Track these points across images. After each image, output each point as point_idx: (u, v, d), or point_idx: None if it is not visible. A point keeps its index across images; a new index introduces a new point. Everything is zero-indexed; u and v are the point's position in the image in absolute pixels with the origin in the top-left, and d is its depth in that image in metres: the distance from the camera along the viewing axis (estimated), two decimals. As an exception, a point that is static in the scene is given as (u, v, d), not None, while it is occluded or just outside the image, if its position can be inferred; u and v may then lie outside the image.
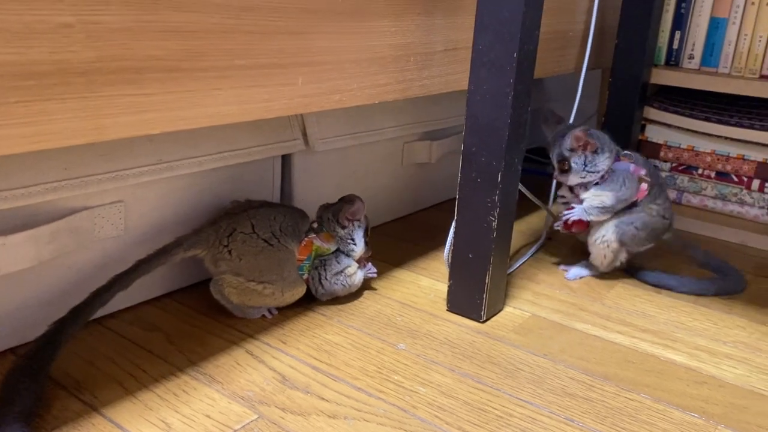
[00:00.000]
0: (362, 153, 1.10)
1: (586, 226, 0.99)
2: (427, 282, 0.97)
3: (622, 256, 1.00)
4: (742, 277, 1.01)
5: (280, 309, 0.85)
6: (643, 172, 0.97)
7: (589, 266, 1.03)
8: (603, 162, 0.95)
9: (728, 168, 1.26)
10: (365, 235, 0.89)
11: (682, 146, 1.30)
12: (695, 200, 1.32)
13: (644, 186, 0.96)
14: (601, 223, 0.98)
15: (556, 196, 1.05)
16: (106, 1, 0.49)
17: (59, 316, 0.68)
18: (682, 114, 1.28)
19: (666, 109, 1.30)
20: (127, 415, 0.64)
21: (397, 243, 1.11)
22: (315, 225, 0.87)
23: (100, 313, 0.80)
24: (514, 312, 0.90)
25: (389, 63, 0.77)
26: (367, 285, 0.94)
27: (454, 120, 1.25)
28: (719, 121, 1.24)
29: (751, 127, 1.21)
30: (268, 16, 0.61)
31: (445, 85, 0.88)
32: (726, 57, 1.24)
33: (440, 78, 0.87)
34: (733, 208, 1.28)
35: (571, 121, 1.14)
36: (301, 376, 0.72)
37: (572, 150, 0.95)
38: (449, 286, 0.88)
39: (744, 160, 1.24)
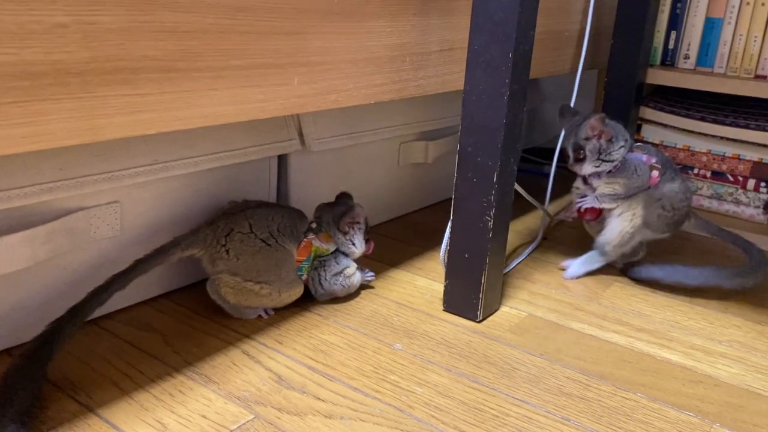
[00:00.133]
0: (358, 153, 1.10)
1: (599, 214, 1.01)
2: (423, 282, 0.98)
3: (635, 241, 1.00)
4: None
5: (276, 309, 0.85)
6: (654, 160, 0.98)
7: (590, 260, 1.03)
8: (617, 151, 0.96)
9: (724, 168, 1.26)
10: (365, 233, 0.89)
11: (677, 146, 1.31)
12: (691, 200, 1.32)
13: (655, 173, 0.97)
14: (628, 202, 0.98)
15: (549, 196, 1.05)
16: (102, 2, 0.49)
17: (55, 317, 0.67)
18: (678, 114, 1.29)
19: (662, 109, 1.30)
20: (122, 416, 0.64)
21: (393, 243, 1.11)
22: (314, 225, 0.87)
23: (97, 313, 0.80)
24: (510, 312, 0.90)
25: (385, 63, 0.77)
26: (363, 285, 0.94)
27: (450, 120, 1.25)
28: (715, 121, 1.25)
29: (747, 127, 1.22)
30: (263, 16, 0.61)
31: (441, 85, 0.88)
32: (721, 57, 1.24)
33: (436, 78, 0.87)
34: (728, 207, 1.28)
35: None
36: (298, 376, 0.72)
37: (587, 138, 0.96)
38: (445, 286, 0.88)
39: (739, 159, 1.24)
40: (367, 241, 0.90)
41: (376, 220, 1.18)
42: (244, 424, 0.64)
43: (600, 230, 1.02)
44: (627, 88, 1.23)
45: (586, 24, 1.15)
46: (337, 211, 0.87)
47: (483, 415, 0.67)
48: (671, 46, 1.29)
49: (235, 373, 0.72)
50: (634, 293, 0.98)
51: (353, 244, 0.87)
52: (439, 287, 0.95)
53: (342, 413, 0.66)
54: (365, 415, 0.66)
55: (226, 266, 0.80)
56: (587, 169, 0.97)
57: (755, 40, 1.20)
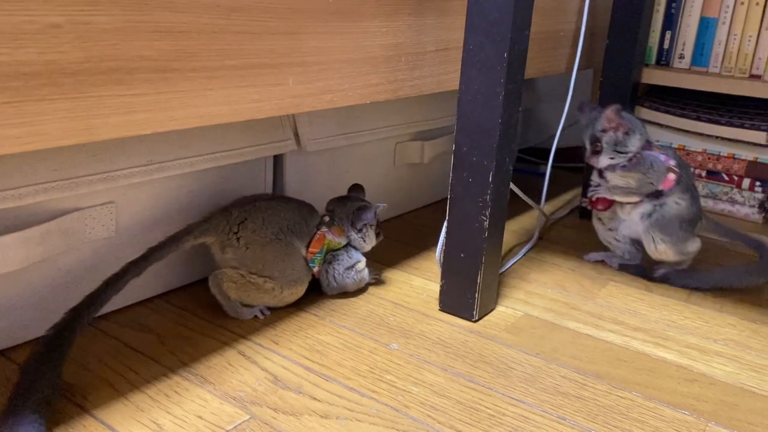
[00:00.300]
0: (354, 153, 1.10)
1: (611, 205, 1.02)
2: (419, 282, 0.98)
3: (693, 248, 1.00)
4: None
5: (273, 310, 0.85)
6: (672, 162, 0.98)
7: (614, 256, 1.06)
8: (633, 144, 0.96)
9: (719, 167, 1.27)
10: (376, 227, 0.91)
11: (673, 145, 1.31)
12: (686, 199, 1.32)
13: (672, 176, 0.98)
14: (647, 239, 1.00)
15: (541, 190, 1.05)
16: (96, 2, 0.49)
17: (51, 318, 0.67)
18: (673, 114, 1.29)
19: (657, 109, 1.31)
20: (118, 417, 0.64)
21: (389, 243, 1.11)
22: (327, 219, 0.88)
23: (92, 314, 0.80)
24: (506, 311, 0.90)
25: (380, 63, 0.77)
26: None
27: (446, 120, 1.25)
28: (710, 121, 1.25)
29: (742, 126, 1.22)
30: (258, 16, 0.61)
31: (437, 85, 0.88)
32: (716, 57, 1.25)
33: (431, 78, 0.87)
34: (723, 206, 1.29)
35: (562, 121, 1.14)
36: (294, 377, 0.72)
37: (604, 130, 0.96)
38: (441, 286, 0.88)
39: (734, 159, 1.25)
40: (377, 234, 0.92)
41: (372, 220, 1.19)
42: (239, 424, 0.64)
43: (610, 228, 1.04)
44: (622, 88, 1.23)
45: (581, 24, 1.15)
46: (351, 207, 0.89)
47: (479, 415, 0.67)
48: (666, 45, 1.29)
49: (230, 374, 0.72)
50: (630, 292, 0.99)
51: (364, 240, 0.90)
52: (435, 287, 0.95)
53: (338, 413, 0.66)
54: (361, 415, 0.66)
55: (235, 255, 0.80)
56: (603, 161, 0.98)
57: (750, 40, 1.20)
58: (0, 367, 0.70)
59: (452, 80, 0.90)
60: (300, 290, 0.85)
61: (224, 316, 0.83)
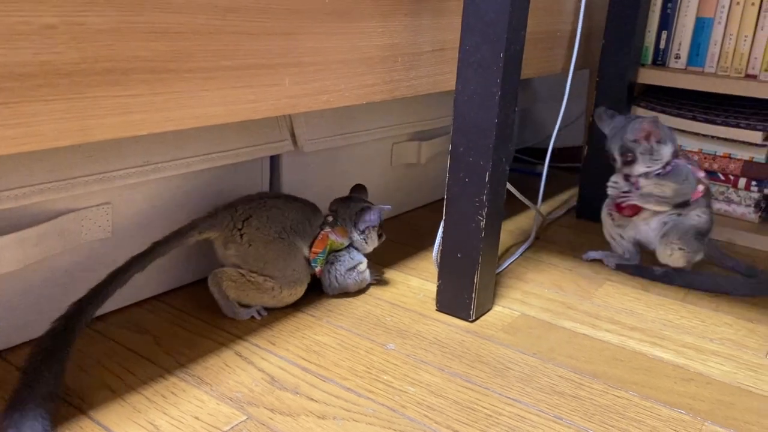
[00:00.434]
0: (351, 153, 1.10)
1: (638, 212, 1.02)
2: (416, 282, 0.98)
3: (699, 256, 1.02)
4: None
5: (270, 310, 0.85)
6: (702, 174, 1.00)
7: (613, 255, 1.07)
8: (666, 152, 0.97)
9: (715, 167, 1.27)
10: (378, 229, 0.92)
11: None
12: (683, 199, 1.32)
13: (701, 187, 0.99)
14: (664, 244, 1.00)
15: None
16: (91, 2, 0.48)
17: (47, 319, 0.67)
18: (669, 113, 1.29)
19: (653, 109, 1.31)
20: (115, 418, 0.64)
21: (386, 243, 1.11)
22: (330, 219, 0.88)
23: (88, 315, 0.80)
24: (503, 311, 0.90)
25: (377, 63, 0.77)
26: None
27: (443, 120, 1.25)
28: (706, 120, 1.25)
29: (737, 126, 1.22)
30: (254, 17, 0.61)
31: (433, 85, 0.88)
32: (712, 56, 1.25)
33: (428, 78, 0.87)
34: (720, 206, 1.29)
35: (558, 121, 1.14)
36: (290, 377, 0.72)
37: (635, 141, 0.97)
38: (438, 286, 0.88)
39: (730, 158, 1.25)
40: (380, 236, 0.92)
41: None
42: (236, 425, 0.64)
43: (619, 225, 1.05)
44: (618, 88, 1.23)
45: (577, 24, 1.15)
46: (354, 208, 0.89)
47: (476, 415, 0.67)
48: (662, 45, 1.29)
49: (227, 374, 0.72)
50: (627, 292, 0.99)
51: (366, 242, 0.90)
52: (432, 287, 0.96)
53: (335, 413, 0.66)
54: (358, 415, 0.66)
55: (237, 251, 0.81)
56: (638, 169, 0.98)
57: (745, 40, 1.21)
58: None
59: (448, 80, 0.90)
60: (299, 291, 0.85)
61: (221, 316, 0.83)
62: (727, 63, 1.23)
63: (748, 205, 1.26)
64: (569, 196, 1.44)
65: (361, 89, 0.77)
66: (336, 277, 0.88)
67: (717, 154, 1.26)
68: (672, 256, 1.00)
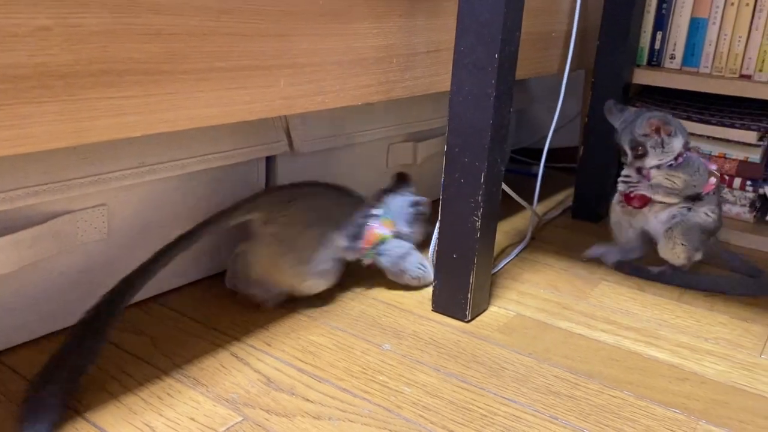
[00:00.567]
0: (347, 154, 1.10)
1: (647, 203, 1.02)
2: (412, 283, 0.98)
3: (698, 256, 1.02)
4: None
5: (280, 302, 0.86)
6: (714, 167, 1.00)
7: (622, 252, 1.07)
8: (677, 144, 0.97)
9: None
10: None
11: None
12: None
13: (713, 180, 0.99)
14: (667, 238, 1.00)
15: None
16: (85, 4, 0.49)
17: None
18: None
19: (648, 109, 1.31)
20: (111, 419, 0.64)
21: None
22: (377, 213, 0.90)
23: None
24: (498, 311, 0.90)
25: (372, 64, 0.78)
26: (351, 286, 0.94)
27: (438, 121, 1.25)
28: (701, 120, 1.25)
29: (732, 126, 1.23)
30: (248, 18, 0.61)
31: (428, 86, 0.88)
32: (707, 57, 1.25)
33: (423, 79, 0.87)
34: (715, 206, 1.29)
35: (554, 121, 1.15)
36: (286, 378, 0.72)
37: (646, 135, 0.97)
38: (434, 287, 0.88)
39: (725, 158, 1.25)
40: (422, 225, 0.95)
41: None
42: (232, 426, 0.64)
43: (634, 221, 1.05)
44: (614, 88, 1.23)
45: (572, 25, 1.16)
46: (405, 201, 0.92)
47: (471, 415, 0.68)
48: (657, 46, 1.30)
49: (223, 376, 0.72)
50: (622, 292, 0.99)
51: (413, 234, 0.93)
52: (427, 287, 0.96)
53: (331, 414, 0.66)
54: (354, 415, 0.66)
55: (274, 231, 0.82)
56: (650, 162, 0.98)
57: (740, 40, 1.21)
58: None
59: (444, 81, 0.91)
60: (321, 285, 0.86)
61: (217, 317, 0.83)
62: (722, 63, 1.24)
63: (744, 205, 1.26)
64: (565, 196, 1.44)
65: (357, 90, 0.77)
66: (393, 264, 0.90)
67: (712, 154, 1.26)
68: (674, 249, 1.00)
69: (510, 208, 1.31)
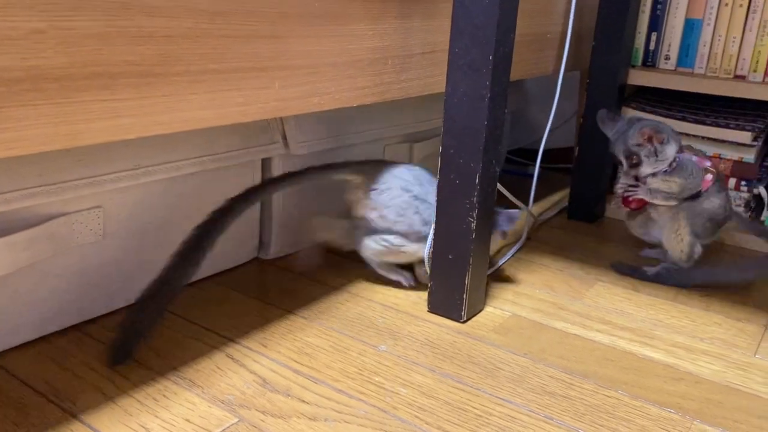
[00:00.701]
0: (343, 156, 1.10)
1: (644, 205, 1.04)
2: (408, 283, 0.98)
3: (698, 249, 1.03)
4: None
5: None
6: (708, 163, 1.01)
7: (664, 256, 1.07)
8: (670, 151, 0.99)
9: (705, 167, 1.27)
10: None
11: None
12: (673, 199, 1.33)
13: (709, 177, 1.00)
14: (672, 219, 1.02)
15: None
16: (79, 7, 0.49)
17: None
18: (660, 114, 1.30)
19: (643, 110, 1.31)
20: (106, 421, 0.64)
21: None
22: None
23: (79, 319, 0.80)
24: (494, 312, 0.91)
25: (367, 66, 0.78)
26: (347, 287, 0.94)
27: (434, 122, 1.25)
28: (696, 121, 1.26)
29: (727, 126, 1.23)
30: (242, 20, 0.61)
31: (424, 87, 0.89)
32: (701, 57, 1.26)
33: (418, 81, 0.87)
34: (710, 206, 1.29)
35: (549, 122, 1.15)
36: (282, 379, 0.72)
37: (639, 145, 0.98)
38: (429, 287, 0.89)
39: (720, 159, 1.26)
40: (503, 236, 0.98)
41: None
42: (228, 427, 0.64)
43: (644, 232, 1.07)
44: (609, 89, 1.24)
45: (567, 26, 1.16)
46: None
47: (466, 415, 0.68)
48: (652, 47, 1.30)
49: (219, 377, 0.72)
50: (617, 292, 0.99)
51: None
52: (423, 288, 0.96)
53: (326, 415, 0.66)
54: (349, 416, 0.66)
55: (366, 195, 0.89)
56: (646, 170, 1.00)
57: (734, 41, 1.21)
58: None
59: (439, 83, 0.91)
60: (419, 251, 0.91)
61: (214, 318, 0.83)
62: (716, 64, 1.24)
63: (738, 205, 1.27)
64: (561, 197, 1.44)
65: (352, 92, 0.77)
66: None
67: (707, 154, 1.27)
68: (677, 233, 1.01)
69: (506, 209, 1.30)
